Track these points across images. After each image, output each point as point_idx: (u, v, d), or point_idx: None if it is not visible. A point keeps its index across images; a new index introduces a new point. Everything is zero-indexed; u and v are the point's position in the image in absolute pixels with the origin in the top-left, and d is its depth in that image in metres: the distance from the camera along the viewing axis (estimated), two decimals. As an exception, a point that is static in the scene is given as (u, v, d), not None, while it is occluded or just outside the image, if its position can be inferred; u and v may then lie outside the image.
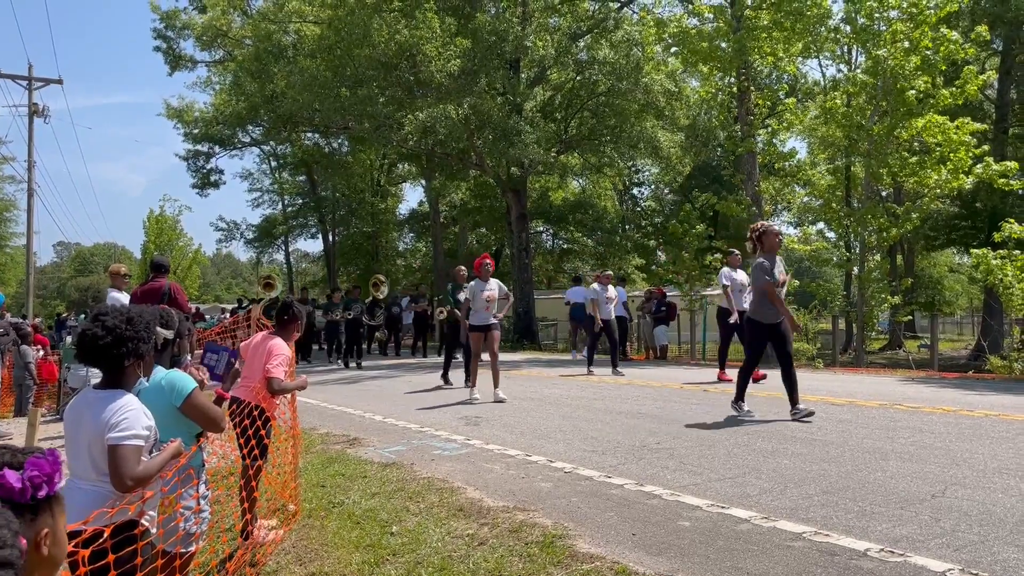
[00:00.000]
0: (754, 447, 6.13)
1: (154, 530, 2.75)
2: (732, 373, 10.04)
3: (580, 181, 36.41)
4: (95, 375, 3.23)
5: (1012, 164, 14.54)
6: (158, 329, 2.87)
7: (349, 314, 16.80)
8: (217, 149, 34.61)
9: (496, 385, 9.70)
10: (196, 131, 33.47)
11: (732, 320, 10.70)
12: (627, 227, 36.74)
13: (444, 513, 4.62)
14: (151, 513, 2.74)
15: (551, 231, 37.98)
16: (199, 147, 34.27)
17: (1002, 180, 14.36)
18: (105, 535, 2.27)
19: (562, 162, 26.21)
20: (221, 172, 35.84)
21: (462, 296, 11.03)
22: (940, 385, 10.49)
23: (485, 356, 10.10)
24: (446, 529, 4.32)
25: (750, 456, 5.81)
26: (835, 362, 15.83)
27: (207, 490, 3.28)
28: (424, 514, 4.64)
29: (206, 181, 34.81)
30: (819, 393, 9.47)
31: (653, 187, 41.29)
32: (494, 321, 10.05)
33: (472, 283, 10.20)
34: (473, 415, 8.52)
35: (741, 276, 11.08)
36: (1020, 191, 14.45)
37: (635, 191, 41.31)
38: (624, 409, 8.59)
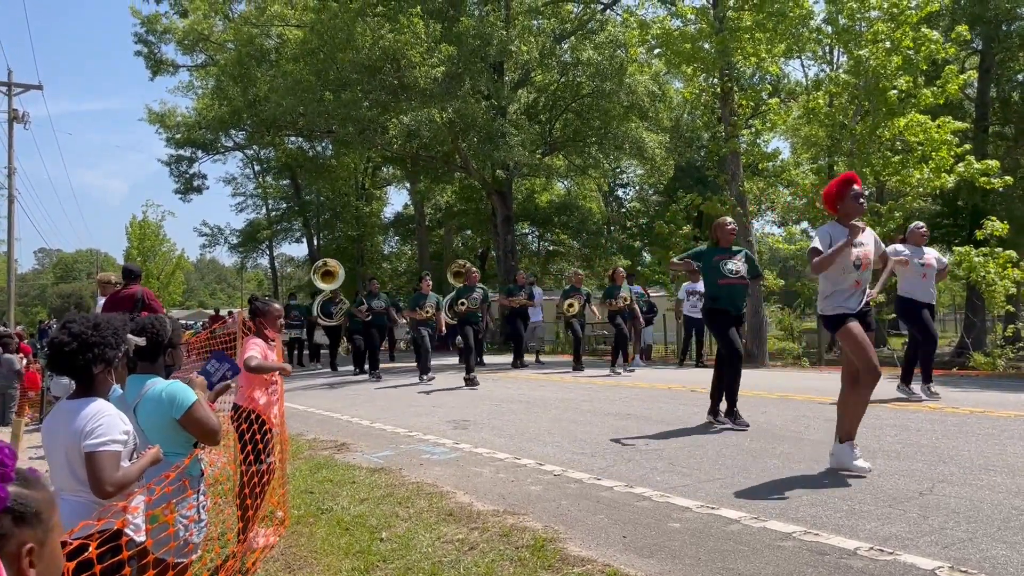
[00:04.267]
0: (743, 447, 6.15)
1: (139, 539, 2.72)
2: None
3: (565, 183, 36.43)
4: None
5: (993, 163, 14.66)
6: (129, 336, 2.82)
7: (427, 312, 12.55)
8: (200, 154, 34.46)
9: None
10: (178, 136, 33.29)
11: None
12: (612, 228, 36.79)
13: (434, 518, 4.60)
14: (136, 522, 2.71)
15: (537, 233, 37.98)
16: (182, 152, 34.12)
17: (983, 178, 14.49)
18: (91, 548, 2.24)
19: (547, 164, 26.25)
20: (204, 177, 35.66)
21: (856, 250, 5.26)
22: (925, 382, 10.55)
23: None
24: (436, 534, 4.30)
25: (739, 456, 5.82)
26: (821, 361, 15.91)
27: (206, 499, 3.25)
28: (414, 519, 4.62)
29: (189, 186, 34.66)
30: (805, 392, 9.51)
31: (638, 188, 41.39)
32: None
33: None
34: (461, 419, 8.49)
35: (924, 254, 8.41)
36: (1001, 189, 14.57)
37: (620, 192, 41.40)
38: (613, 410, 8.59)
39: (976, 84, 22.98)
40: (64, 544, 2.23)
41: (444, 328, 14.31)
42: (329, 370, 16.59)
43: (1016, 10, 21.55)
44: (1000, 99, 23.92)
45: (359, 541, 4.31)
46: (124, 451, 2.60)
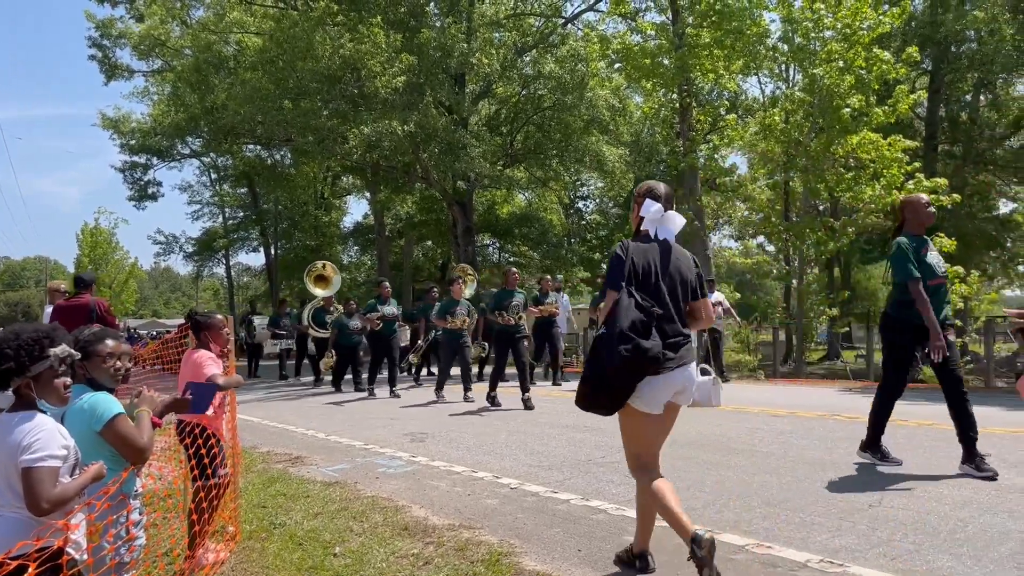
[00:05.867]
0: (698, 460, 6.19)
1: (81, 557, 2.64)
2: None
3: (526, 195, 36.56)
4: None
5: (942, 181, 15.04)
6: (55, 350, 2.69)
7: (461, 320, 11.11)
8: (155, 161, 33.91)
9: None
10: (133, 142, 32.73)
11: None
12: (573, 240, 36.98)
13: (389, 532, 4.55)
14: (77, 539, 2.63)
15: (498, 244, 38.02)
16: (136, 158, 33.54)
17: (932, 196, 14.83)
18: (31, 569, 2.17)
19: (508, 176, 26.30)
20: (159, 184, 35.02)
21: None
22: (876, 395, 10.75)
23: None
24: (390, 549, 4.25)
25: (694, 469, 5.87)
26: (776, 373, 16.13)
27: (141, 516, 3.15)
28: (368, 534, 4.56)
29: (143, 193, 34.08)
30: (760, 404, 9.63)
31: (598, 201, 41.68)
32: None
33: None
34: (418, 431, 8.44)
35: None
36: (949, 207, 14.93)
37: (580, 204, 41.67)
38: (569, 423, 8.61)
39: (926, 104, 23.60)
40: (1, 565, 2.16)
41: (481, 338, 13.18)
42: (312, 383, 15.21)
43: (965, 32, 22.21)
44: (949, 119, 24.59)
45: (312, 556, 4.24)
46: (64, 467, 2.52)
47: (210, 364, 4.46)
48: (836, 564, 3.62)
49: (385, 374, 13.19)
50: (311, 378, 16.03)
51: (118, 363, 3.05)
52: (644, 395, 3.40)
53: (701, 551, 3.17)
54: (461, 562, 3.96)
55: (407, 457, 6.91)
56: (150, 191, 34.27)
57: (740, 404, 9.68)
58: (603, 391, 3.40)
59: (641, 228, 3.69)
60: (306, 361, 17.01)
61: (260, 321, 19.20)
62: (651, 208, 3.64)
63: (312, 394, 13.55)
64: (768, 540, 4.04)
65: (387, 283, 13.72)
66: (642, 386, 3.37)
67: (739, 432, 7.45)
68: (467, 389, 11.13)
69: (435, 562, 4.00)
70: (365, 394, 12.67)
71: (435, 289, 13.85)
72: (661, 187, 3.74)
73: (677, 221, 3.66)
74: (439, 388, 11.36)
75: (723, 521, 4.42)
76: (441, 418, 9.50)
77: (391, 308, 12.91)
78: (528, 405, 9.99)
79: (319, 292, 14.28)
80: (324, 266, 14.54)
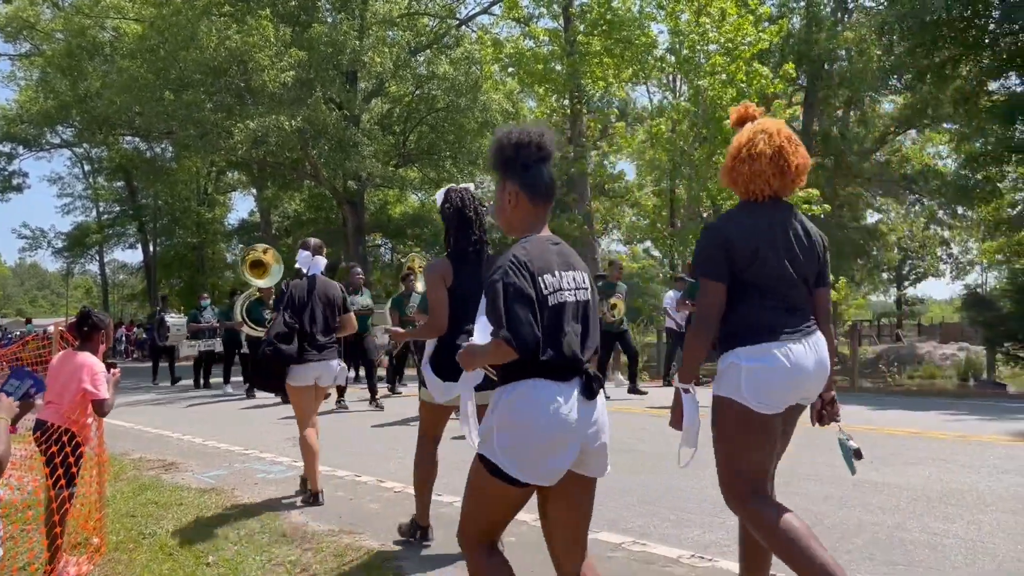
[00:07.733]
0: (581, 460, 6.29)
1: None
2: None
3: (419, 195, 36.39)
4: None
5: (814, 191, 15.86)
6: None
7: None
8: (21, 150, 31.99)
9: None
10: (-4, 129, 30.70)
11: None
12: (465, 242, 37.05)
13: (266, 539, 4.42)
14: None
15: (390, 245, 37.63)
16: (0, 147, 31.51)
17: (805, 205, 15.64)
18: None
19: (401, 176, 26.09)
20: (25, 175, 33.15)
21: None
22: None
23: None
24: (267, 556, 4.13)
25: (577, 469, 5.95)
26: (660, 374, 16.59)
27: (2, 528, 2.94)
28: (244, 542, 4.42)
29: (7, 184, 32.19)
30: (644, 404, 9.89)
31: (491, 203, 41.91)
32: None
33: None
34: (302, 435, 8.23)
35: None
36: (822, 216, 15.76)
37: (474, 207, 41.80)
38: (456, 426, 8.59)
39: (802, 118, 24.87)
40: None
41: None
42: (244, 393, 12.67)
43: (837, 51, 23.56)
44: (822, 133, 25.99)
45: (183, 566, 4.07)
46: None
47: (103, 381, 4.16)
48: (706, 559, 3.76)
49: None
50: (239, 379, 13.96)
51: None
52: (294, 375, 5.18)
53: (311, 497, 5.21)
54: (340, 568, 3.89)
55: (288, 462, 6.74)
56: (15, 182, 32.42)
57: (625, 405, 9.92)
58: (261, 375, 5.32)
59: (296, 267, 5.40)
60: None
61: (175, 320, 16.69)
62: (301, 255, 5.40)
63: (197, 399, 13.02)
64: (643, 537, 4.15)
65: (359, 269, 11.73)
66: (293, 370, 5.15)
67: (624, 432, 7.63)
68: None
69: (313, 568, 3.92)
70: (254, 399, 12.15)
71: (412, 277, 10.81)
72: (312, 241, 5.50)
73: (321, 263, 5.42)
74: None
75: (602, 520, 4.50)
76: (326, 421, 9.30)
77: (365, 299, 10.98)
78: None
79: (257, 282, 11.71)
80: (266, 251, 11.80)
